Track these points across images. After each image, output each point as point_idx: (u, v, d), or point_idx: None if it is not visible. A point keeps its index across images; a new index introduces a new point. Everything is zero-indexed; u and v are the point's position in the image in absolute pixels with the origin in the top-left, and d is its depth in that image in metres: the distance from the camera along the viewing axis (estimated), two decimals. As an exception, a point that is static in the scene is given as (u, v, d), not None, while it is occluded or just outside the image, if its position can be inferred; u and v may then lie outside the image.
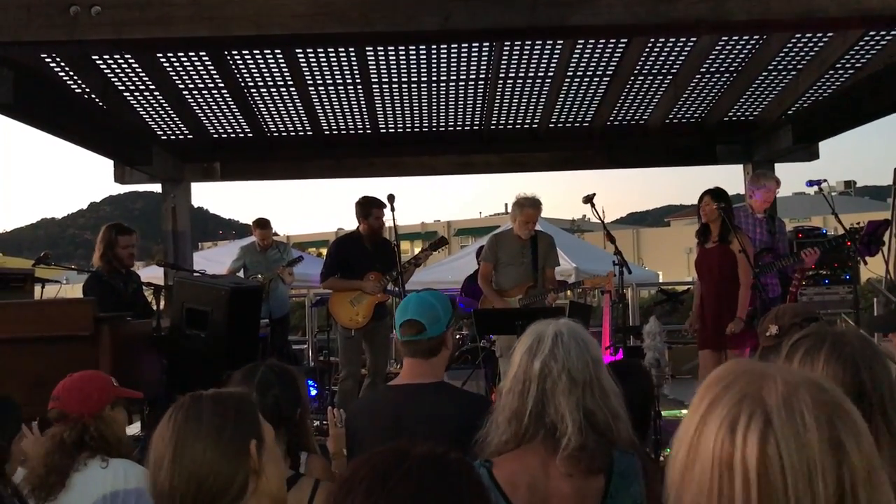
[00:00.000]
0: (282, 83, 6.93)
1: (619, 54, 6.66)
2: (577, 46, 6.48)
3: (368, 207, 6.35)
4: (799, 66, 6.91)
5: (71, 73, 6.41)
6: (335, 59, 6.52)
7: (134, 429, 4.77)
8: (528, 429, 2.00)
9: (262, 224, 8.44)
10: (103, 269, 5.51)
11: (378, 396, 2.77)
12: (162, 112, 7.37)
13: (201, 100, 7.19)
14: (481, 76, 6.95)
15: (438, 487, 1.08)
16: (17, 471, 2.41)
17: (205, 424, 1.72)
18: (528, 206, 6.11)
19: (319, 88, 7.05)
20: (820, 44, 6.50)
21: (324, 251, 20.99)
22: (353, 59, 6.50)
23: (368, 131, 7.95)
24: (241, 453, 1.72)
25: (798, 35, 6.31)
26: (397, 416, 2.61)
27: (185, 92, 7.00)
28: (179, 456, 1.69)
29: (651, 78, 7.09)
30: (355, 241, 6.47)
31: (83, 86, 6.62)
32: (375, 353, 6.44)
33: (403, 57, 6.53)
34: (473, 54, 6.55)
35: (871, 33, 6.18)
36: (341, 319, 6.34)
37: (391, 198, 5.88)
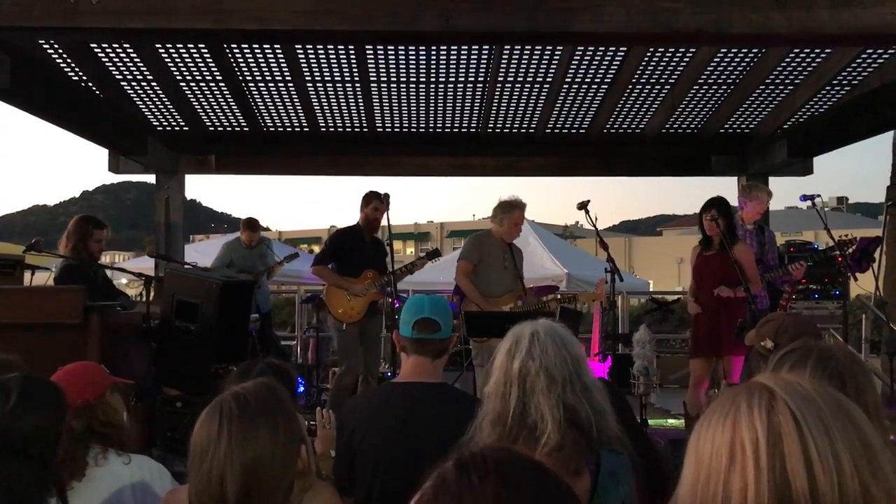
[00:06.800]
0: (280, 79, 6.92)
1: (618, 62, 6.67)
2: (577, 53, 6.49)
3: (371, 199, 6.37)
4: (796, 81, 6.94)
5: (69, 61, 6.38)
6: (334, 57, 6.52)
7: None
8: (513, 430, 2.00)
9: (252, 225, 8.43)
10: (75, 259, 5.49)
11: (382, 394, 2.75)
12: (158, 103, 7.34)
13: (199, 92, 7.16)
14: (480, 79, 6.95)
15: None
16: None
17: (264, 425, 1.81)
18: (518, 209, 6.02)
19: (318, 85, 7.04)
20: (817, 60, 6.53)
21: (316, 248, 20.94)
22: (353, 57, 6.50)
23: (365, 130, 7.94)
24: (294, 455, 1.84)
25: (796, 50, 6.34)
26: (406, 414, 2.58)
27: (182, 83, 6.98)
28: (239, 454, 1.76)
29: (649, 87, 7.11)
30: (356, 234, 6.46)
31: (80, 73, 6.59)
32: (369, 351, 6.44)
33: (403, 57, 6.52)
34: (473, 57, 6.55)
35: (868, 51, 6.21)
36: (336, 311, 6.29)
37: (386, 197, 5.98)
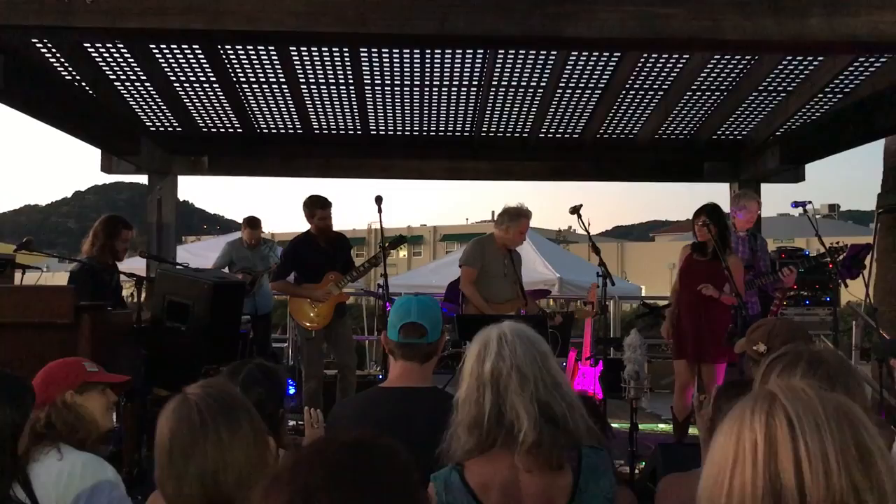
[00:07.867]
0: (274, 80, 6.91)
1: (611, 68, 6.69)
2: (571, 58, 6.50)
3: (312, 209, 6.33)
4: (789, 89, 6.97)
5: (62, 60, 6.36)
6: (328, 59, 6.51)
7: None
8: (490, 433, 2.00)
9: (253, 223, 8.41)
10: (95, 259, 5.47)
11: (371, 398, 2.72)
12: (152, 103, 7.33)
13: (192, 93, 7.15)
14: (474, 83, 6.96)
15: (366, 475, 1.10)
16: None
17: (244, 420, 1.83)
18: (526, 217, 6.07)
19: (311, 87, 7.03)
20: (810, 67, 6.56)
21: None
22: (347, 59, 6.50)
23: (359, 132, 7.94)
24: (267, 445, 1.88)
25: (789, 58, 6.36)
26: (395, 418, 2.53)
27: (176, 84, 6.96)
28: (227, 449, 1.77)
29: (642, 93, 7.13)
30: (309, 241, 6.42)
31: (74, 73, 6.57)
32: (340, 350, 6.50)
33: (397, 59, 6.52)
34: (467, 60, 6.56)
35: (860, 59, 6.24)
36: (302, 321, 6.30)
37: (378, 199, 5.90)
